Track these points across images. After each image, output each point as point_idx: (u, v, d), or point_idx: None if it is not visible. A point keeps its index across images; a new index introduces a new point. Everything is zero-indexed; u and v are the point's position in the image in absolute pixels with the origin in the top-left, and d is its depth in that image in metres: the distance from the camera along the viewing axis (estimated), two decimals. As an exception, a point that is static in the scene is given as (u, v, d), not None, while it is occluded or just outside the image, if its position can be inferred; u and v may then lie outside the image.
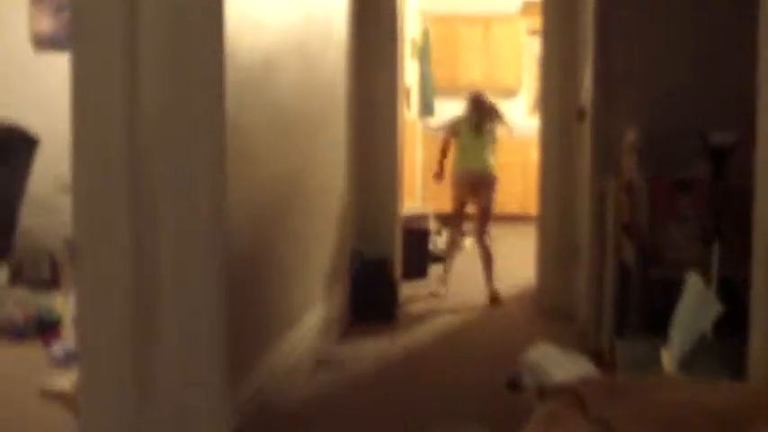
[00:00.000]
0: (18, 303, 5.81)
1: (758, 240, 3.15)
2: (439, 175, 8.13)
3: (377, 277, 6.62)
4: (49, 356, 5.22)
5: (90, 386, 3.32)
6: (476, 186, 7.79)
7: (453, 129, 8.10)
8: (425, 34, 11.61)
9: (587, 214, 5.77)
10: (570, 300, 6.53)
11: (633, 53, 5.34)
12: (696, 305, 3.40)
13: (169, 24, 3.19)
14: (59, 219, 4.90)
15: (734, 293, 3.49)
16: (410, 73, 10.21)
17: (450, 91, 12.20)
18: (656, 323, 3.72)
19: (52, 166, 5.98)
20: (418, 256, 8.02)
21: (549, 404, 1.61)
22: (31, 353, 5.39)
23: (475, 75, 12.29)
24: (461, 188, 7.86)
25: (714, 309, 3.35)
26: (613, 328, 5.02)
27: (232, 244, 3.79)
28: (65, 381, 4.47)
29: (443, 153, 8.08)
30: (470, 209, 7.85)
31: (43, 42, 7.10)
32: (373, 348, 5.88)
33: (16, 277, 6.52)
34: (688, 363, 3.37)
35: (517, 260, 8.62)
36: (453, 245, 8.08)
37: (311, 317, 5.43)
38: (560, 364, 4.14)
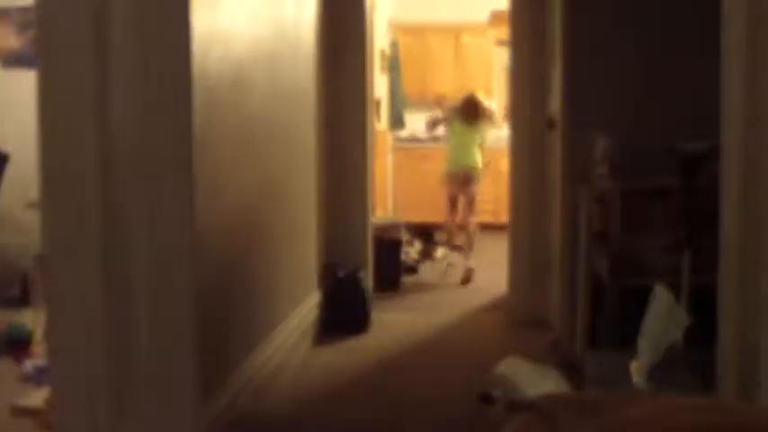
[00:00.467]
0: (-12, 321, 5.77)
1: (725, 249, 3.16)
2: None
3: (348, 288, 6.60)
4: (21, 373, 5.19)
5: (63, 403, 3.31)
6: (465, 182, 8.87)
7: (447, 118, 9.27)
8: (395, 45, 11.60)
9: (559, 224, 5.78)
10: (543, 309, 6.53)
11: (602, 62, 5.35)
12: (664, 316, 3.41)
13: (137, 38, 3.18)
14: (29, 236, 4.87)
15: (705, 302, 3.49)
16: (380, 84, 10.21)
17: (421, 102, 12.20)
18: (629, 333, 3.72)
19: (21, 183, 5.95)
20: (390, 267, 8.01)
21: (517, 420, 1.61)
22: (2, 370, 5.35)
23: (445, 86, 12.27)
24: (453, 185, 8.97)
25: (682, 319, 3.37)
26: (586, 339, 5.03)
27: (202, 257, 3.77)
28: (36, 398, 4.45)
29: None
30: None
31: (10, 60, 7.07)
32: (345, 360, 5.87)
33: (-14, 295, 6.48)
34: (657, 373, 3.38)
35: (489, 270, 8.63)
36: (451, 232, 9.25)
37: (283, 329, 5.42)
38: (531, 379, 4.15)
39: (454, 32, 12.25)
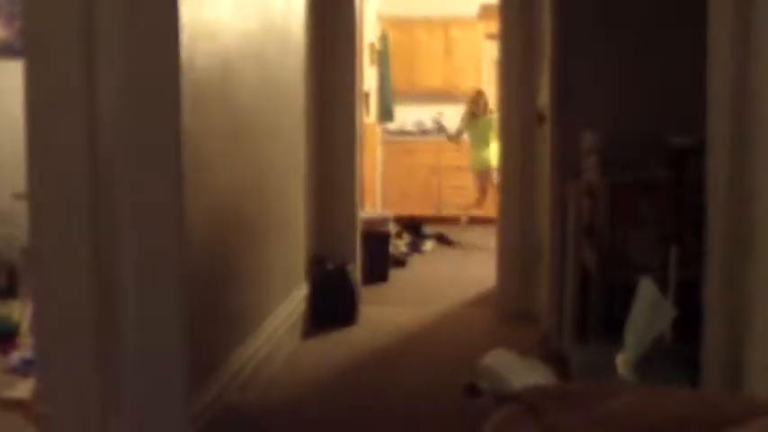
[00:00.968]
0: (-25, 313, 5.76)
1: (711, 243, 3.17)
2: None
3: (337, 281, 6.61)
4: (7, 365, 5.18)
5: (51, 396, 3.30)
6: (485, 178, 10.67)
7: (462, 125, 10.87)
8: (384, 39, 11.60)
9: (548, 217, 5.79)
10: (532, 303, 6.55)
11: (590, 57, 5.35)
12: (650, 309, 3.43)
13: (125, 30, 3.17)
14: (16, 227, 4.86)
15: (692, 296, 3.51)
16: (369, 78, 10.22)
17: (410, 96, 12.21)
18: (617, 327, 3.73)
19: (8, 174, 5.93)
20: (379, 260, 8.01)
21: (502, 412, 1.62)
22: (-12, 362, 5.35)
23: (435, 79, 12.29)
24: (478, 180, 10.84)
25: (668, 312, 3.38)
26: (574, 332, 5.04)
27: (191, 250, 3.77)
28: (23, 389, 4.43)
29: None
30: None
31: (-3, 50, 7.05)
32: (333, 353, 5.87)
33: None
34: (643, 366, 3.39)
35: (478, 263, 8.65)
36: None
37: (271, 322, 5.42)
38: (518, 371, 4.16)
39: (443, 26, 12.25)
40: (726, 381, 3.04)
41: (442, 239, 10.31)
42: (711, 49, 3.16)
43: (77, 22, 3.12)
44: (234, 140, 4.71)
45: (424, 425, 4.65)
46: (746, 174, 2.94)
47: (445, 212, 11.68)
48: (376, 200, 11.43)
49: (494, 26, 7.94)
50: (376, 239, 7.93)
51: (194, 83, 3.94)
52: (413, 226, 10.32)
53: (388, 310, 7.13)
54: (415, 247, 9.72)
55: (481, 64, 12.29)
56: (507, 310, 6.81)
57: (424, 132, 12.42)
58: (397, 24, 12.05)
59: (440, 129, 12.34)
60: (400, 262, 8.87)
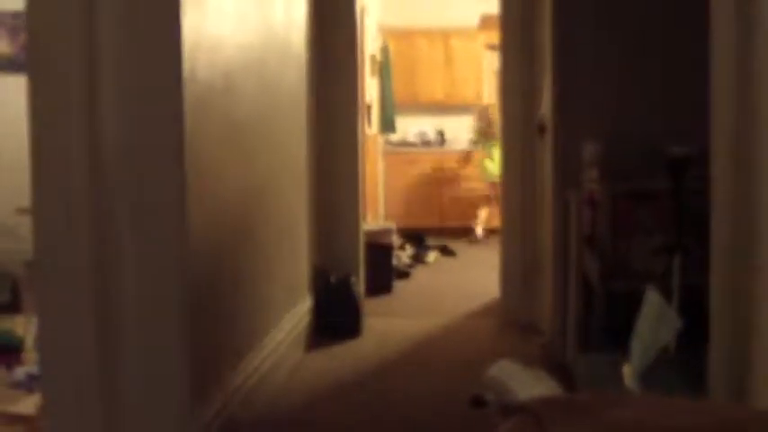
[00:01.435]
0: (-22, 328, 5.75)
1: (716, 251, 3.17)
2: None
3: (340, 294, 6.60)
4: (11, 380, 5.17)
5: (54, 410, 3.30)
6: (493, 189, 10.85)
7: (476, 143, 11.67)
8: (385, 50, 11.62)
9: (550, 227, 5.79)
10: (535, 313, 6.54)
11: (591, 68, 5.35)
12: (655, 319, 3.42)
13: (127, 44, 3.18)
14: (20, 241, 4.86)
15: (696, 305, 3.50)
16: (370, 89, 10.24)
17: (411, 107, 12.22)
18: (620, 336, 3.73)
19: (12, 189, 5.93)
20: (382, 272, 8.01)
21: (508, 423, 1.61)
22: (-7, 377, 5.34)
23: (436, 91, 12.30)
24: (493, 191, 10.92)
25: (673, 322, 3.37)
26: (577, 342, 5.03)
27: (193, 263, 3.77)
28: (27, 404, 4.44)
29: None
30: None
31: (2, 65, 7.06)
32: (337, 365, 5.87)
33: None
34: (648, 376, 3.38)
35: (481, 273, 8.64)
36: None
37: (275, 335, 5.42)
38: (523, 381, 4.15)
39: (444, 36, 12.27)
40: (732, 390, 3.03)
41: (445, 251, 10.31)
42: (714, 56, 3.15)
43: (80, 36, 3.12)
44: (235, 152, 4.71)
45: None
46: (751, 181, 2.93)
47: (449, 223, 11.69)
48: (378, 211, 11.44)
49: (494, 36, 7.94)
50: (379, 251, 7.93)
51: (196, 95, 3.94)
52: (416, 237, 10.33)
53: (393, 322, 7.13)
54: (418, 259, 9.72)
55: (482, 74, 12.30)
56: (511, 321, 6.81)
57: (425, 143, 12.42)
58: (397, 35, 12.07)
59: (442, 141, 12.36)
60: (404, 273, 8.87)
